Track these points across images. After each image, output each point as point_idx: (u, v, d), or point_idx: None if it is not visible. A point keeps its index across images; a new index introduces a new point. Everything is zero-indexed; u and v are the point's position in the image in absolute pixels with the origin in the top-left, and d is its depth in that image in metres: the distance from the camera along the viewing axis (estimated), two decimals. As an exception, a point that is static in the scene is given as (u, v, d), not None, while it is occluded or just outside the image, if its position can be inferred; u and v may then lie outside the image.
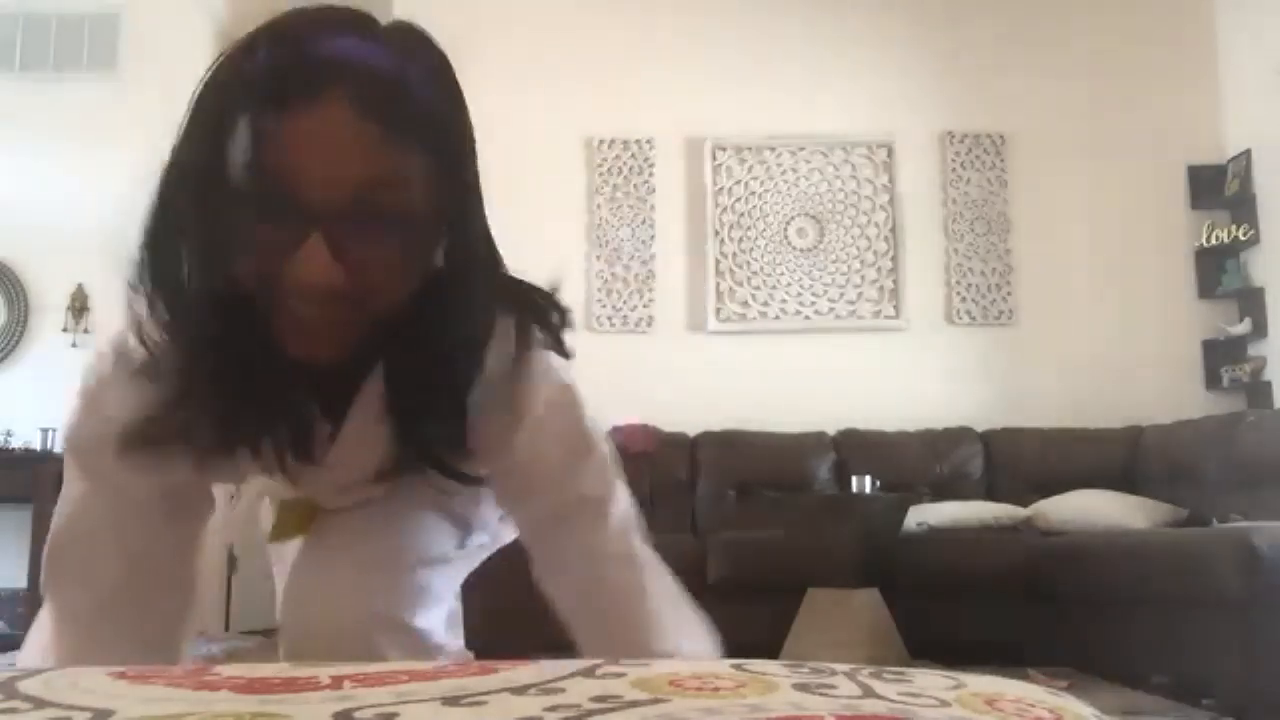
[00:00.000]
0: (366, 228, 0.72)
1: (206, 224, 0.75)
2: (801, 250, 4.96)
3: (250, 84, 0.72)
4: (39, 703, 0.47)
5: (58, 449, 4.94)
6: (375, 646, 0.99)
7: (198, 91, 0.77)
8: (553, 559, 0.99)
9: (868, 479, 3.66)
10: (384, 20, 0.79)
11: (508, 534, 1.18)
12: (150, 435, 0.84)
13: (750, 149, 5.00)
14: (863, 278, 4.93)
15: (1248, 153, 4.79)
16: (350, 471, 0.95)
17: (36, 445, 4.61)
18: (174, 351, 0.81)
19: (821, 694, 0.48)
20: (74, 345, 4.92)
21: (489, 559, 1.26)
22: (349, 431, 0.90)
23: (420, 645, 1.05)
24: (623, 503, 1.01)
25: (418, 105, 0.74)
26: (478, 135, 0.81)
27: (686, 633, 0.99)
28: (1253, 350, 4.74)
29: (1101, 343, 4.86)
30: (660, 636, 0.95)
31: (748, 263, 4.93)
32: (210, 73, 0.76)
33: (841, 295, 4.92)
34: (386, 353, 0.84)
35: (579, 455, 0.96)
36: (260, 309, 0.76)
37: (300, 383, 0.84)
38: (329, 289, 0.72)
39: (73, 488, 0.99)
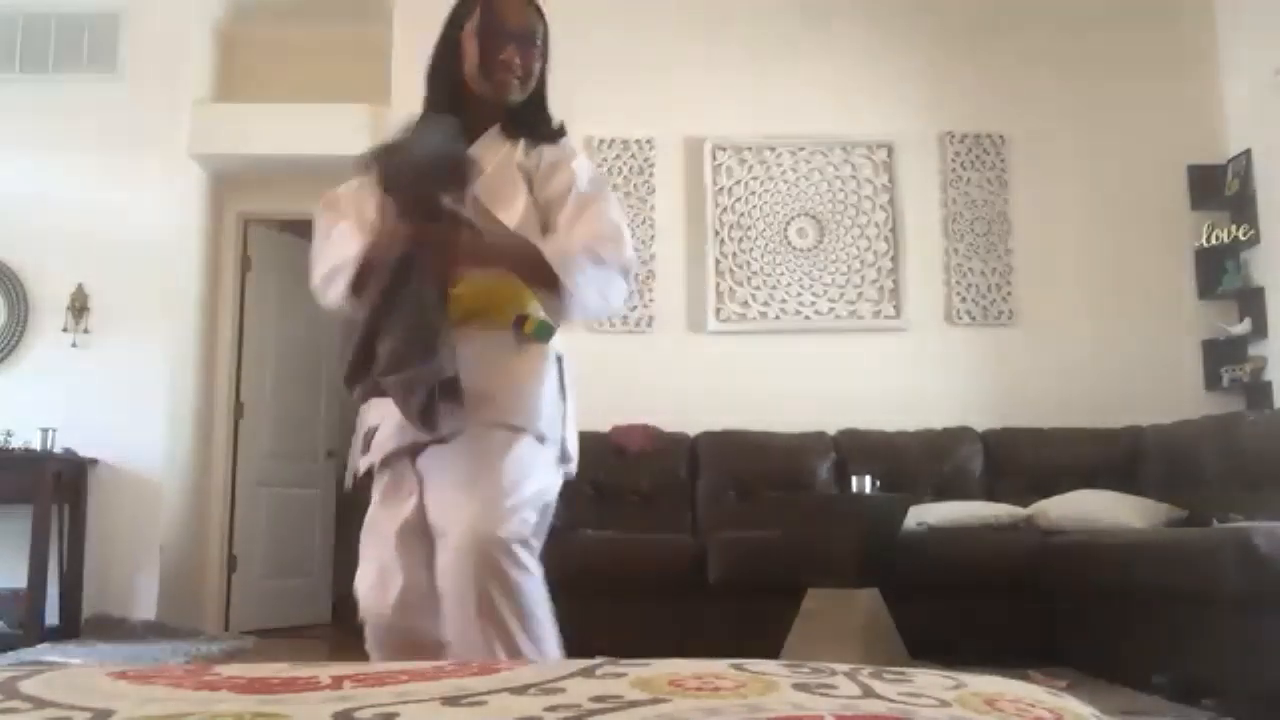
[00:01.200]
0: (530, 46, 1.76)
1: (458, 49, 1.78)
2: (801, 250, 4.96)
3: None
4: (39, 703, 0.47)
5: (58, 449, 4.95)
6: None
7: (452, 21, 1.80)
8: (576, 225, 1.73)
9: (868, 479, 3.65)
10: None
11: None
12: (384, 150, 1.65)
13: (750, 149, 5.00)
14: (863, 278, 4.93)
15: (1248, 153, 4.79)
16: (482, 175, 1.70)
17: (36, 445, 4.60)
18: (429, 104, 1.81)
19: (821, 694, 0.48)
20: (74, 345, 4.91)
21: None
22: (484, 141, 1.77)
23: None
24: (621, 228, 1.77)
25: (543, 13, 1.80)
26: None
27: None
28: (1253, 350, 4.73)
29: (1101, 343, 4.86)
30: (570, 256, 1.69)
31: (748, 263, 4.93)
32: (457, 6, 1.81)
33: (841, 295, 4.92)
34: (510, 114, 1.80)
35: (602, 185, 1.82)
36: (474, 84, 1.76)
37: (471, 123, 1.75)
38: (515, 63, 1.74)
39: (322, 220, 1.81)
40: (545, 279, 1.63)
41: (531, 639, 1.54)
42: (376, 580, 1.65)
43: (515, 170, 1.75)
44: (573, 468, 1.78)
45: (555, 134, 1.81)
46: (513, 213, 1.70)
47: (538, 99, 1.81)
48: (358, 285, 1.62)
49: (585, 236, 1.68)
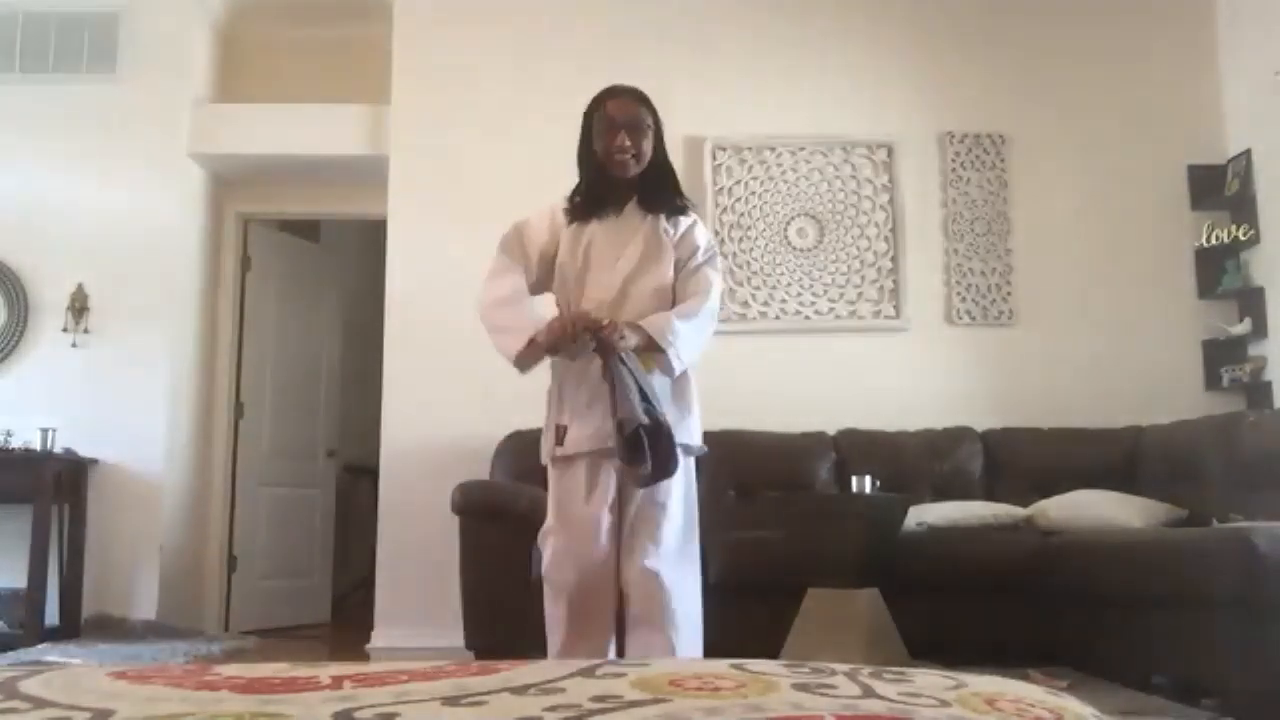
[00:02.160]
0: (636, 131, 2.38)
1: (592, 140, 2.42)
2: (801, 250, 4.95)
3: (600, 98, 2.44)
4: (39, 702, 0.47)
5: (58, 449, 4.95)
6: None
7: (585, 116, 2.44)
8: (684, 284, 2.41)
9: (868, 479, 3.65)
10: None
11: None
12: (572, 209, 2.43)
13: (750, 149, 5.00)
14: (863, 278, 4.93)
15: (1248, 153, 4.79)
16: (617, 241, 2.38)
17: (36, 445, 4.60)
18: (581, 184, 2.45)
19: (821, 694, 0.48)
20: (74, 345, 4.91)
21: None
22: (624, 216, 2.40)
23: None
24: (717, 280, 2.44)
25: (650, 105, 2.42)
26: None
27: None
28: (1253, 350, 4.73)
29: (1101, 343, 4.85)
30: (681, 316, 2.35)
31: (748, 263, 4.93)
32: (587, 109, 2.44)
33: (841, 295, 4.92)
34: (638, 187, 2.42)
35: (711, 253, 2.44)
36: (604, 163, 2.39)
37: (611, 193, 2.41)
38: (625, 145, 2.36)
39: (497, 262, 2.42)
40: (653, 345, 2.25)
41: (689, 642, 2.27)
42: (564, 551, 2.26)
43: (662, 238, 2.38)
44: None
45: (682, 208, 2.44)
46: (664, 276, 2.38)
47: (664, 176, 2.44)
48: (524, 355, 2.27)
49: (684, 295, 2.36)
